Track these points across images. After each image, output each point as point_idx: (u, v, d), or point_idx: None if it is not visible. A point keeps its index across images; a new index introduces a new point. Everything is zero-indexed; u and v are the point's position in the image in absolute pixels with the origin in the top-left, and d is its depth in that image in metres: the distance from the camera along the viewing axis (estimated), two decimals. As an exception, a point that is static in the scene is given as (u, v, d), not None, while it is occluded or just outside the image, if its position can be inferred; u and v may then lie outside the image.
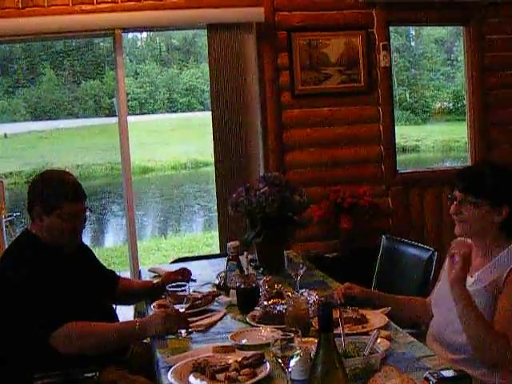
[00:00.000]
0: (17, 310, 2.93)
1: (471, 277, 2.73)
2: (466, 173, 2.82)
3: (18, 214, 10.39)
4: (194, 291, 3.50)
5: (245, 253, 3.81)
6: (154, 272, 4.12)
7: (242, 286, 3.31)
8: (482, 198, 2.68)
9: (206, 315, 3.21)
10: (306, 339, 2.50)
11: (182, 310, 3.00)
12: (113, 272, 3.71)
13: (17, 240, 3.25)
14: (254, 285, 3.33)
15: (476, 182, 2.73)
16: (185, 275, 3.71)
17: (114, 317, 3.39)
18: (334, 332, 1.86)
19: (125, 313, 3.93)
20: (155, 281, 3.75)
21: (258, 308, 3.12)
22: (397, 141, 6.31)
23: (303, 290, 3.17)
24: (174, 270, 3.82)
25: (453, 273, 2.49)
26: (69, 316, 2.90)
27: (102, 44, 21.60)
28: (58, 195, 3.10)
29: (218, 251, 5.87)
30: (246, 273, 3.61)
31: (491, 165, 2.88)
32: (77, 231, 3.24)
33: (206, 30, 5.69)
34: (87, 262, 3.46)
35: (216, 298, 3.45)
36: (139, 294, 3.70)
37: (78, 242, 3.33)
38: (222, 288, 3.62)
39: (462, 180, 2.77)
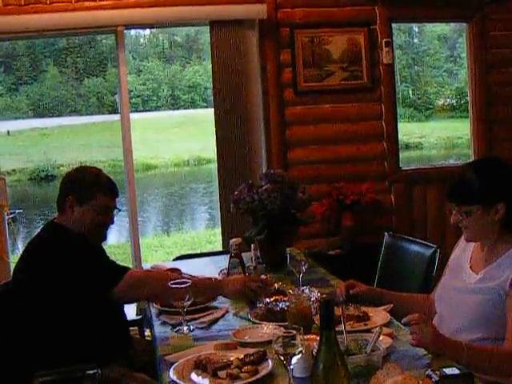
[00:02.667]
0: (70, 279, 2.98)
1: (477, 274, 2.72)
2: (452, 184, 2.77)
3: (21, 211, 10.43)
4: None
5: (252, 245, 3.82)
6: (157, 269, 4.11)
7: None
8: (472, 205, 2.66)
9: (208, 312, 3.21)
10: (308, 336, 2.50)
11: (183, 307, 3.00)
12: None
13: (44, 229, 3.30)
14: (262, 277, 3.42)
15: (461, 191, 2.71)
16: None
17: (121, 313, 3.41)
18: (336, 329, 1.86)
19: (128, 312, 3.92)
20: None
21: (260, 305, 3.12)
22: (400, 138, 6.31)
23: (305, 287, 3.17)
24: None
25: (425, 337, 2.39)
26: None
27: (104, 41, 21.59)
28: (94, 187, 3.22)
29: (220, 248, 5.87)
30: (253, 265, 3.63)
31: (475, 166, 2.83)
32: (105, 226, 3.33)
33: (208, 27, 5.68)
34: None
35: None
36: None
37: (103, 238, 3.40)
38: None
39: (450, 192, 2.76)
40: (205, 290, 3.22)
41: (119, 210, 3.40)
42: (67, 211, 3.19)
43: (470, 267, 2.80)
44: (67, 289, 2.96)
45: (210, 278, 3.35)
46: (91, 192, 3.19)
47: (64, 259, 2.99)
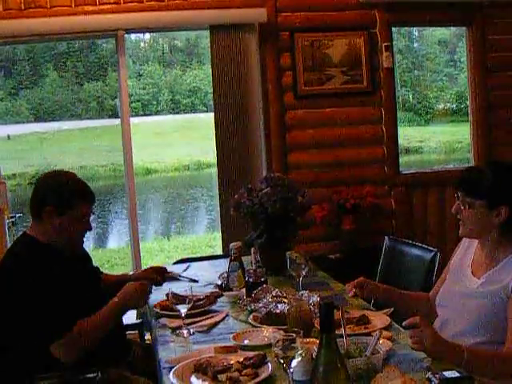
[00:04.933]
0: (16, 318, 2.90)
1: (478, 278, 2.72)
2: (465, 174, 2.80)
3: (21, 215, 10.42)
4: (197, 292, 3.50)
5: (252, 249, 3.83)
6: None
7: (251, 280, 3.42)
8: (478, 199, 2.67)
9: (208, 316, 3.21)
10: (308, 340, 2.50)
11: (183, 311, 3.00)
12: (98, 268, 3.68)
13: (15, 244, 3.20)
14: (262, 279, 3.43)
15: (473, 183, 2.72)
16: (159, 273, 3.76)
17: None
18: (336, 332, 1.86)
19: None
20: (131, 272, 3.74)
21: (261, 305, 3.13)
22: (400, 142, 6.32)
23: (303, 292, 3.18)
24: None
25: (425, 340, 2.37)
26: (69, 324, 2.89)
27: (104, 45, 21.61)
28: (74, 196, 3.09)
29: (220, 252, 5.87)
30: (254, 267, 3.64)
31: (494, 165, 2.85)
32: (84, 233, 3.23)
33: (208, 31, 5.69)
34: (86, 265, 3.44)
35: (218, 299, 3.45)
36: (116, 286, 3.45)
37: (81, 245, 3.31)
38: (225, 289, 3.63)
39: (462, 180, 2.77)
40: (117, 314, 3.14)
41: (93, 214, 3.29)
42: (44, 222, 3.07)
43: (472, 272, 2.80)
44: (50, 299, 2.91)
45: (112, 302, 3.13)
46: (72, 201, 3.07)
47: (25, 282, 2.90)
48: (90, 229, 3.24)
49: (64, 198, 3.07)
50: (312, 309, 2.90)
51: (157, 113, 24.86)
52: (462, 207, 2.72)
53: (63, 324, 2.87)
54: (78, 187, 3.16)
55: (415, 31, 22.15)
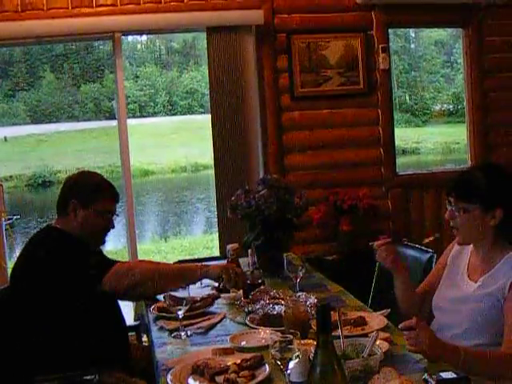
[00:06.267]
0: (66, 281, 3.00)
1: (475, 282, 2.73)
2: (457, 179, 2.78)
3: (18, 216, 10.45)
4: (194, 294, 3.50)
5: (249, 250, 3.83)
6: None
7: (249, 281, 3.43)
8: (473, 203, 2.66)
9: (206, 317, 3.21)
10: (305, 341, 2.50)
11: (181, 313, 3.00)
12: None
13: (40, 232, 3.32)
14: (259, 281, 3.45)
15: (465, 188, 2.71)
16: None
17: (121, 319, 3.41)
18: (333, 334, 1.86)
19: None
20: None
21: (258, 306, 3.13)
22: (396, 143, 6.31)
23: (300, 294, 3.18)
24: None
25: (423, 344, 2.37)
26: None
27: (101, 47, 21.63)
28: (98, 191, 3.26)
29: (217, 254, 5.87)
30: (251, 269, 3.64)
31: (484, 168, 2.84)
32: (106, 230, 3.35)
33: (205, 33, 5.69)
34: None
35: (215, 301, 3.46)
36: None
37: (103, 242, 3.43)
38: (222, 290, 3.63)
39: (453, 186, 2.75)
40: (189, 272, 3.33)
41: (117, 216, 3.41)
42: (69, 215, 3.21)
43: (468, 276, 2.80)
44: (65, 293, 2.96)
45: (196, 265, 3.43)
46: (95, 196, 3.23)
47: (60, 262, 2.99)
48: (112, 227, 3.37)
49: (88, 192, 3.24)
50: (309, 310, 2.90)
51: (154, 114, 24.87)
52: (457, 213, 2.72)
53: (102, 263, 3.14)
54: (102, 183, 3.33)
55: (412, 32, 22.20)
